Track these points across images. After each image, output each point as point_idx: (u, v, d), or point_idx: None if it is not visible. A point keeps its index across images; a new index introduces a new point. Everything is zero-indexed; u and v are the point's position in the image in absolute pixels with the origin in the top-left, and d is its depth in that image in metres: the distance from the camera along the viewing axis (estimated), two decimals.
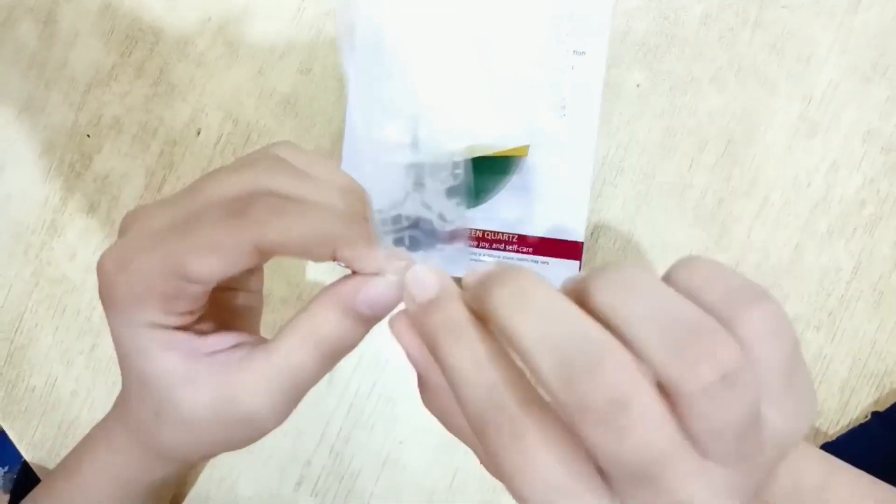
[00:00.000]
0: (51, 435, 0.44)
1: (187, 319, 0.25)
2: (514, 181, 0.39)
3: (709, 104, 0.41)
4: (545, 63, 0.38)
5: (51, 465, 0.44)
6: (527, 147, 0.39)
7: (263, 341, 0.26)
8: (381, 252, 0.24)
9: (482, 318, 0.20)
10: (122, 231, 0.26)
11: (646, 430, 0.16)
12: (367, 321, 0.25)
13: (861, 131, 0.41)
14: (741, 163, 0.41)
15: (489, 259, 0.40)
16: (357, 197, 0.26)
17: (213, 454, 0.28)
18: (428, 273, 0.21)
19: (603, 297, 0.18)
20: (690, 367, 0.16)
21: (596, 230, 0.42)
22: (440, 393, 0.22)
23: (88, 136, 0.44)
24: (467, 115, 0.38)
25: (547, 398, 0.18)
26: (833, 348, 0.41)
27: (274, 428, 0.26)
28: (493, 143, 0.38)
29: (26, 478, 0.43)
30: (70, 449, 0.44)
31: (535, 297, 0.18)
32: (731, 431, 0.17)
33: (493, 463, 0.18)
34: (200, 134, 0.43)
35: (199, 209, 0.24)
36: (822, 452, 0.28)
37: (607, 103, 0.41)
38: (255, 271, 0.32)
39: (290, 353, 0.24)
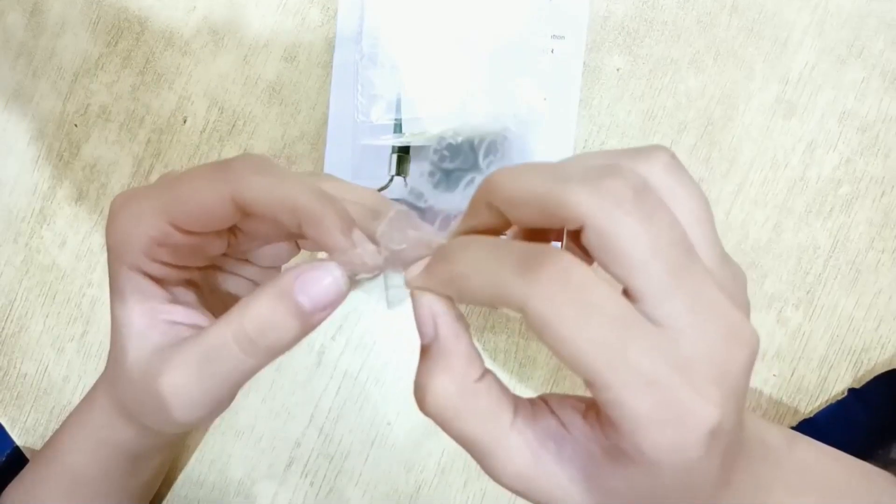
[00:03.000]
0: (43, 420, 0.45)
1: (169, 274, 0.26)
2: (494, 164, 0.40)
3: (688, 87, 0.42)
4: (525, 47, 0.39)
5: None
6: (508, 130, 0.39)
7: None
8: (347, 240, 0.23)
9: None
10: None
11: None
12: (304, 316, 0.23)
13: (837, 112, 0.41)
14: (720, 144, 0.42)
15: None
16: (367, 198, 0.26)
17: (149, 426, 0.28)
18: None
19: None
20: (607, 188, 0.18)
21: None
22: (456, 366, 0.21)
23: (76, 125, 0.44)
24: (449, 98, 0.39)
25: None
26: (811, 325, 0.42)
27: (189, 417, 0.24)
28: (474, 126, 0.39)
29: (15, 462, 0.44)
30: None
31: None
32: (665, 253, 0.18)
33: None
34: (187, 122, 0.44)
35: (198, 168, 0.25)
36: (783, 427, 0.29)
37: (588, 87, 0.42)
38: (273, 270, 0.32)
39: (213, 333, 0.23)
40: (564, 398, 0.22)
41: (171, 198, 0.24)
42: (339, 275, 0.23)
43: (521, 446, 0.20)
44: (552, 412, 0.21)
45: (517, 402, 0.22)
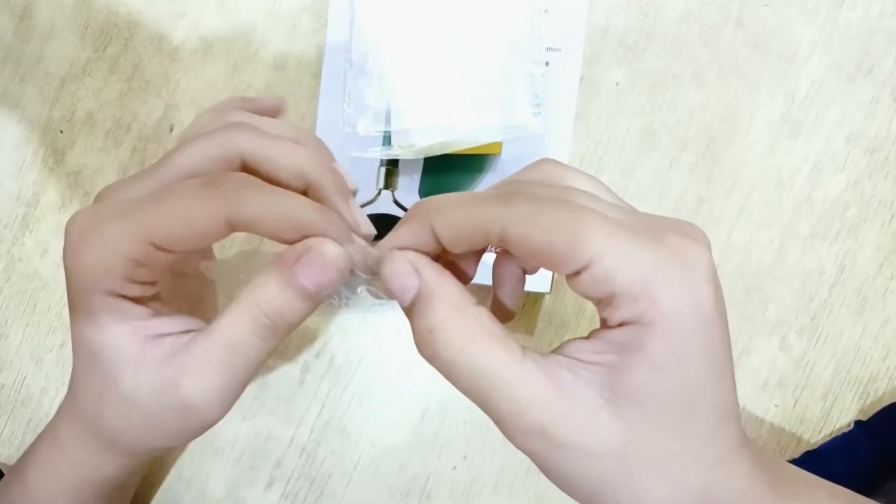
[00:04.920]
0: (19, 433, 0.44)
1: (146, 291, 0.25)
2: (487, 179, 0.38)
3: (690, 102, 0.40)
4: (520, 59, 0.38)
5: None
6: (500, 144, 0.38)
7: None
8: (354, 246, 0.24)
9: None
10: (97, 201, 0.26)
11: None
12: (310, 297, 0.24)
13: (845, 131, 0.40)
14: (722, 162, 0.40)
15: None
16: (323, 154, 0.28)
17: (160, 445, 0.27)
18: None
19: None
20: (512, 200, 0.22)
21: None
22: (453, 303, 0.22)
23: (62, 131, 0.43)
24: (440, 110, 0.38)
25: None
26: (816, 353, 0.40)
27: (219, 415, 0.25)
28: (466, 138, 0.37)
29: None
30: None
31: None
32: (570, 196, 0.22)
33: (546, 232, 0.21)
34: (173, 130, 0.43)
35: (173, 180, 0.24)
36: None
37: (586, 101, 0.41)
38: (206, 252, 0.32)
39: (229, 328, 0.24)
40: (567, 342, 0.23)
41: (155, 219, 0.23)
42: (334, 253, 0.23)
43: (537, 374, 0.21)
44: (558, 352, 0.22)
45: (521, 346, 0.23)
